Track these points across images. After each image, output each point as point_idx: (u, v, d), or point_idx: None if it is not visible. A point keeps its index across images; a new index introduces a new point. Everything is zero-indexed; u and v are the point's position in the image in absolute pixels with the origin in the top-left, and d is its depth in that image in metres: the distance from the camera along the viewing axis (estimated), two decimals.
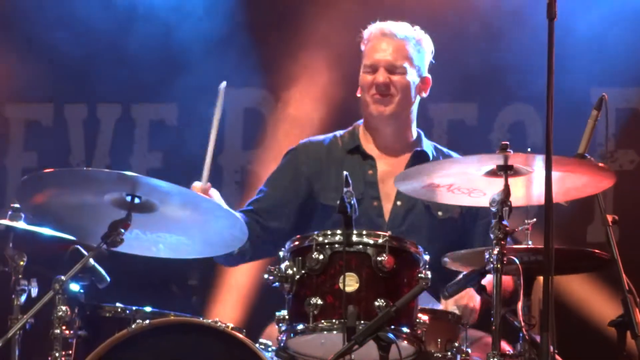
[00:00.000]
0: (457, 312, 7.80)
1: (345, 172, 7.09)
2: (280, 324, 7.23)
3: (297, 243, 7.42)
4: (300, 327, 7.19)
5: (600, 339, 9.24)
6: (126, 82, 12.51)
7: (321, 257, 7.19)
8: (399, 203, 8.67)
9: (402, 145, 8.94)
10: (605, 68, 11.40)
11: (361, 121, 9.09)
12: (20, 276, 7.69)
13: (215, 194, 8.66)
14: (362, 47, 9.09)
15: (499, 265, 7.01)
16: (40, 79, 12.92)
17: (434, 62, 9.21)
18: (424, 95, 8.99)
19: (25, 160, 12.84)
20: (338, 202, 7.03)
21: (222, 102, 8.88)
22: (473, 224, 8.59)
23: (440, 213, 8.68)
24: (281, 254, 7.39)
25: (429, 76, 9.03)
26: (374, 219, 8.55)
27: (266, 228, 8.75)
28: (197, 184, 8.56)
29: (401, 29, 8.99)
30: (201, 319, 7.84)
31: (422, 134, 9.17)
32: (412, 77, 8.79)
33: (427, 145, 9.04)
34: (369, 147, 8.93)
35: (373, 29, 9.03)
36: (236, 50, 12.32)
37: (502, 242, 7.06)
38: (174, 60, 12.66)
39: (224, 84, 8.83)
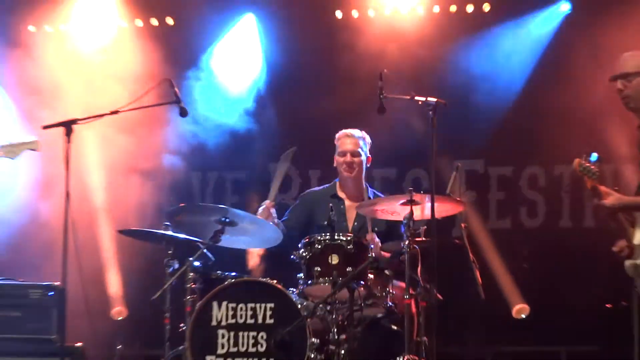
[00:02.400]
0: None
1: (331, 205, 10.76)
2: (300, 280, 10.72)
3: (307, 240, 10.79)
4: (309, 281, 10.63)
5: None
6: None
7: (319, 246, 10.66)
8: (355, 223, 12.06)
9: (358, 193, 12.24)
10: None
11: (337, 179, 12.39)
12: (168, 258, 11.02)
13: (272, 211, 11.71)
14: (336, 142, 12.35)
15: (408, 249, 10.41)
16: None
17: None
18: (369, 165, 12.32)
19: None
20: (326, 221, 10.60)
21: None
22: (393, 229, 11.48)
23: (376, 228, 11.76)
24: (299, 245, 10.85)
25: (370, 156, 12.24)
26: (343, 229, 11.72)
27: (289, 234, 11.71)
28: (266, 201, 11.65)
29: (356, 132, 12.30)
30: (259, 278, 11.05)
31: (367, 185, 12.36)
32: (363, 157, 12.17)
33: (370, 192, 12.29)
34: (341, 194, 12.35)
35: (340, 133, 12.39)
36: None
37: (410, 238, 10.44)
38: None
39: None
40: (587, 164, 9.20)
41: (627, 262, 9.09)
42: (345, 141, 12.21)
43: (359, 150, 12.17)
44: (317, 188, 12.65)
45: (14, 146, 10.10)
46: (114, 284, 13.35)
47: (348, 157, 12.12)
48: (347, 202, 12.10)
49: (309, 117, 13.76)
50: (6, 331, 11.52)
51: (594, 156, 9.30)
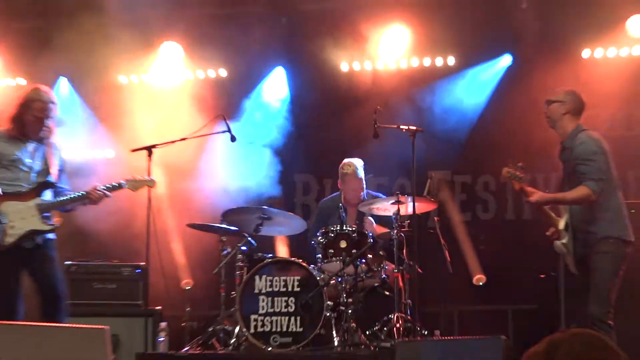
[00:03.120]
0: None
1: (340, 208, 10.82)
2: (318, 259, 10.71)
3: (323, 230, 10.81)
4: (325, 260, 10.67)
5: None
6: None
7: (332, 235, 10.68)
8: (357, 221, 11.54)
9: (356, 200, 11.78)
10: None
11: (340, 191, 12.02)
12: (223, 244, 11.05)
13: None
14: (341, 170, 11.89)
15: (397, 236, 10.54)
16: None
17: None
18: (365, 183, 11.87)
19: None
20: (339, 218, 10.70)
21: None
22: (385, 221, 11.32)
23: (371, 218, 11.48)
24: (317, 234, 10.88)
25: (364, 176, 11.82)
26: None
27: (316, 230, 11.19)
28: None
29: (355, 161, 11.86)
30: (289, 258, 10.97)
31: (366, 191, 11.96)
32: (362, 177, 11.78)
33: (364, 193, 11.87)
34: (345, 202, 11.73)
35: (343, 163, 11.93)
36: None
37: (398, 228, 10.58)
38: None
39: None
40: (513, 171, 9.28)
41: (556, 242, 9.20)
42: (348, 169, 11.99)
43: (360, 176, 11.94)
44: (328, 197, 12.44)
45: (137, 182, 10.05)
46: (183, 262, 13.31)
47: (358, 191, 11.97)
48: (349, 209, 11.76)
49: (323, 141, 13.72)
50: (106, 298, 11.63)
51: (519, 167, 9.36)
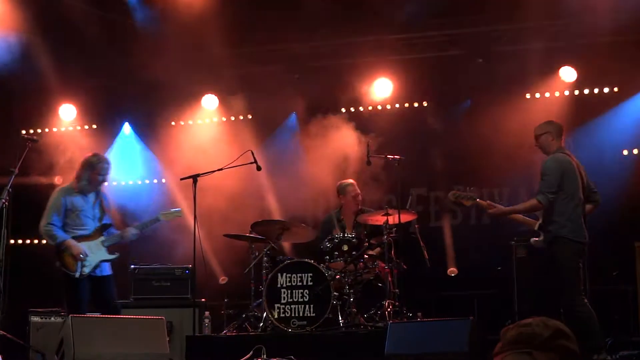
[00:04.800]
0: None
1: (341, 222, 11.11)
2: (326, 259, 10.64)
3: (329, 237, 10.85)
4: (332, 260, 10.63)
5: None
6: None
7: (336, 240, 10.69)
8: (353, 230, 11.27)
9: (354, 214, 11.58)
10: None
11: (339, 208, 11.81)
12: (252, 249, 10.93)
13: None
14: (342, 188, 11.68)
15: (387, 240, 10.45)
16: None
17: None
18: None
19: None
20: (340, 229, 10.91)
21: None
22: (377, 229, 10.97)
23: (365, 231, 11.31)
24: (325, 241, 10.86)
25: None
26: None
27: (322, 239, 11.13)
28: None
29: (352, 182, 11.71)
30: (304, 259, 10.56)
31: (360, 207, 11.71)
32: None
33: (361, 210, 11.57)
34: (343, 216, 11.67)
35: (346, 183, 11.71)
36: None
37: (387, 234, 10.48)
38: None
39: None
40: (460, 192, 9.33)
41: (532, 239, 9.07)
42: (351, 187, 11.79)
43: (357, 189, 11.81)
44: (327, 215, 12.19)
45: (169, 214, 10.41)
46: (220, 264, 13.19)
47: (358, 198, 11.77)
48: (347, 220, 11.72)
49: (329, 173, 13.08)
50: (162, 293, 11.72)
51: (460, 188, 9.62)
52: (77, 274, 9.54)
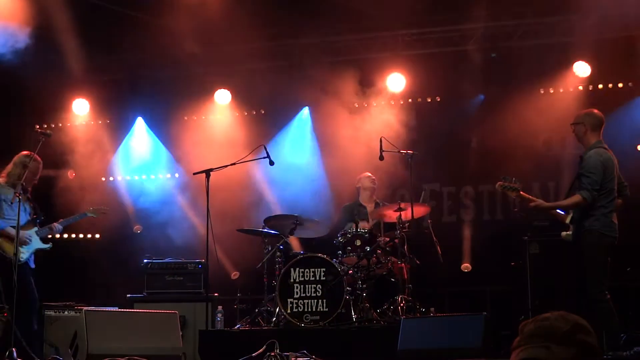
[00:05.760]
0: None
1: (355, 213, 11.07)
2: (339, 254, 10.63)
3: (342, 232, 10.81)
4: (344, 255, 10.61)
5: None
6: None
7: (349, 235, 10.65)
8: (372, 220, 11.49)
9: (372, 202, 11.75)
10: None
11: (359, 197, 11.91)
12: (265, 244, 10.88)
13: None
14: (360, 180, 11.89)
15: (399, 235, 10.49)
16: None
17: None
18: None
19: None
20: (354, 221, 10.77)
21: None
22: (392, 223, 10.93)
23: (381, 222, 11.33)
24: (338, 235, 10.83)
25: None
26: (365, 220, 11.35)
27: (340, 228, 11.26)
28: None
29: (371, 175, 11.88)
30: (317, 254, 10.52)
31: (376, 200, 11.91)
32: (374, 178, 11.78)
33: (377, 202, 11.79)
34: (363, 203, 11.76)
35: (363, 175, 11.90)
36: None
37: (400, 229, 10.48)
38: None
39: None
40: (507, 183, 9.09)
41: (563, 233, 8.96)
42: (367, 179, 11.95)
43: (375, 187, 11.94)
44: (347, 204, 12.16)
45: (97, 209, 10.90)
46: (233, 259, 13.07)
47: (374, 189, 11.96)
48: (369, 209, 11.70)
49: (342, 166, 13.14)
50: (175, 288, 11.69)
51: (507, 178, 9.18)
52: (18, 260, 9.53)
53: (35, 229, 10.20)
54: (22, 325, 9.24)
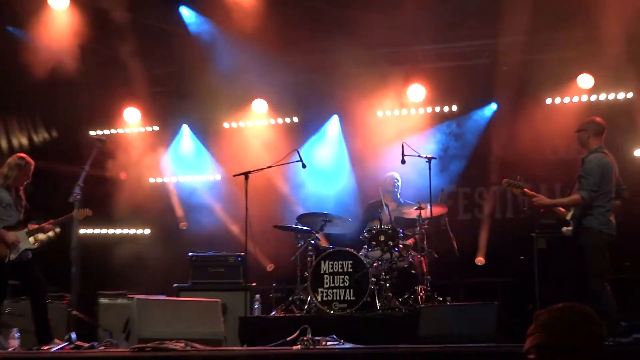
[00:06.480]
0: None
1: (379, 210, 10.82)
2: (364, 249, 10.69)
3: (368, 229, 10.77)
4: (369, 249, 10.64)
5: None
6: None
7: (374, 231, 10.64)
8: (392, 217, 11.06)
9: (395, 201, 11.62)
10: None
11: (382, 196, 11.39)
12: (298, 239, 10.86)
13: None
14: (386, 180, 11.81)
15: (420, 231, 10.55)
16: None
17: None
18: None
19: None
20: (379, 218, 10.68)
21: None
22: (410, 221, 11.01)
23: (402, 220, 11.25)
24: (364, 231, 10.84)
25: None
26: (387, 219, 10.91)
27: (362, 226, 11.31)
28: None
29: (396, 175, 11.84)
30: (344, 248, 10.50)
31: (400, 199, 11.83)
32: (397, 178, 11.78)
33: (402, 199, 11.70)
34: (386, 202, 11.19)
35: (388, 176, 11.86)
36: None
37: (420, 226, 10.56)
38: None
39: None
40: (512, 181, 9.17)
41: (563, 229, 8.93)
42: (392, 180, 11.95)
43: (399, 184, 11.91)
44: (371, 201, 12.11)
45: (82, 211, 9.91)
46: (269, 252, 13.09)
47: (397, 187, 11.90)
48: (390, 205, 11.41)
49: (367, 169, 13.20)
50: (217, 278, 11.63)
51: (514, 176, 9.30)
52: (6, 260, 9.35)
53: (26, 229, 9.63)
54: (39, 312, 9.24)
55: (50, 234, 10.31)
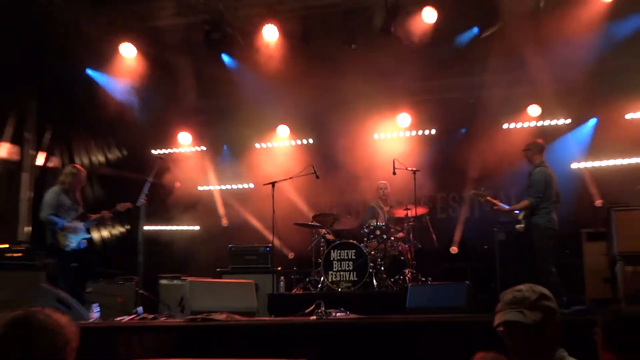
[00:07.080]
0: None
1: (376, 210, 10.74)
2: (365, 239, 10.45)
3: (367, 225, 10.59)
4: (368, 241, 10.42)
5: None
6: None
7: (372, 227, 10.48)
8: (386, 217, 11.11)
9: (387, 205, 11.39)
10: None
11: (377, 200, 11.47)
12: (313, 234, 10.82)
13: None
14: (378, 187, 11.47)
15: (407, 227, 10.39)
16: None
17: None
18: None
19: None
20: (376, 217, 10.58)
21: None
22: (400, 219, 10.87)
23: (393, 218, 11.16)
24: (364, 227, 10.61)
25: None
26: (380, 220, 10.99)
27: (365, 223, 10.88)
28: None
29: (385, 183, 11.48)
30: (349, 240, 10.38)
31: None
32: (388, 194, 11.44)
33: (391, 204, 11.44)
34: (380, 204, 11.36)
35: (380, 183, 11.46)
36: None
37: (407, 223, 10.39)
38: None
39: None
40: (477, 191, 9.26)
41: (517, 226, 8.96)
42: (383, 187, 11.65)
43: (387, 190, 11.66)
44: (371, 204, 11.83)
45: (121, 206, 9.85)
46: (290, 243, 12.82)
47: (387, 194, 11.62)
48: (384, 208, 11.42)
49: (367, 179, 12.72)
50: (251, 264, 11.55)
51: (478, 188, 9.51)
52: (68, 248, 9.22)
53: (82, 223, 9.48)
54: (76, 292, 8.94)
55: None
